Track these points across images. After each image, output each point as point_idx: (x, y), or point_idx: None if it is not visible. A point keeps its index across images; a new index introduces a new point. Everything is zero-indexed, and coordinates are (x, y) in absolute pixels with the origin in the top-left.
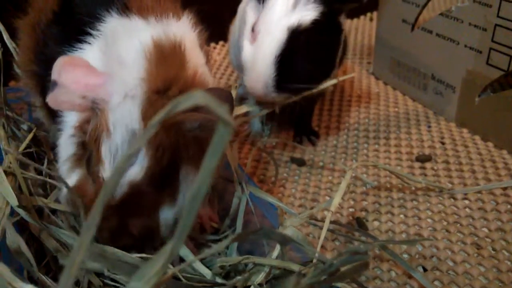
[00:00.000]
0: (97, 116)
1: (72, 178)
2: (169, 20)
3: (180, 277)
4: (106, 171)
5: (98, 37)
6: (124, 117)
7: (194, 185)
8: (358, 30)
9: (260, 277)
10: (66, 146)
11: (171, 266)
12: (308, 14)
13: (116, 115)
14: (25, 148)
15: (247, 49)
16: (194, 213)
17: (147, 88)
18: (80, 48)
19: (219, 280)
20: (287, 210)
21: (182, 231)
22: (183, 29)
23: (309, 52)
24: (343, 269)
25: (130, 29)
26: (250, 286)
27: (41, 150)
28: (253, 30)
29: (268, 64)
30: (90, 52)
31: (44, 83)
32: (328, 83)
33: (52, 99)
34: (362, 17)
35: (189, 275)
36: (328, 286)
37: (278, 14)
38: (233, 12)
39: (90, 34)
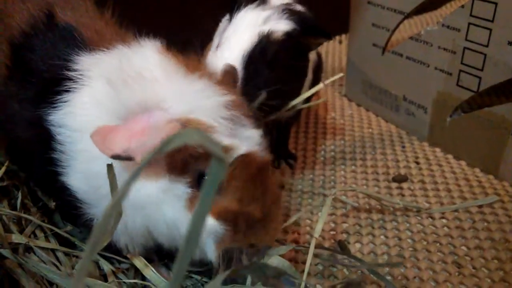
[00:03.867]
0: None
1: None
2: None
3: None
4: None
5: (83, 79)
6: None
7: (189, 224)
8: (329, 52)
9: None
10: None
11: None
12: (280, 25)
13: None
14: None
15: (209, 58)
16: (191, 252)
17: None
18: (67, 100)
19: None
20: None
21: (178, 272)
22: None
23: (280, 64)
24: None
25: (122, 56)
26: None
27: (14, 184)
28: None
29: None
30: (90, 93)
31: (8, 141)
32: (300, 98)
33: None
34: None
35: None
36: None
37: (248, 22)
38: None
39: (68, 79)
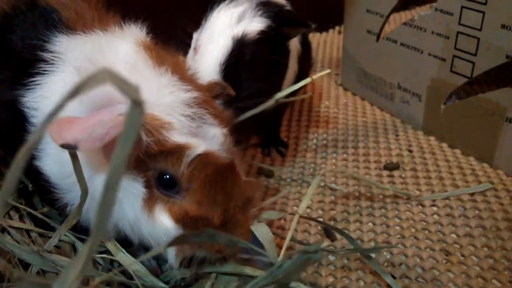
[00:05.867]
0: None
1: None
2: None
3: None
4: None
5: (58, 62)
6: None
7: (107, 172)
8: (327, 43)
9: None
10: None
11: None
12: (254, 25)
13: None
14: None
15: (188, 62)
16: (110, 204)
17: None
18: (40, 83)
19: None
20: None
21: (98, 228)
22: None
23: (258, 64)
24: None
25: (96, 43)
26: None
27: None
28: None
29: (211, 73)
30: (63, 79)
31: None
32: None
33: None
34: (330, 30)
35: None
36: None
37: (222, 25)
38: None
39: (43, 61)
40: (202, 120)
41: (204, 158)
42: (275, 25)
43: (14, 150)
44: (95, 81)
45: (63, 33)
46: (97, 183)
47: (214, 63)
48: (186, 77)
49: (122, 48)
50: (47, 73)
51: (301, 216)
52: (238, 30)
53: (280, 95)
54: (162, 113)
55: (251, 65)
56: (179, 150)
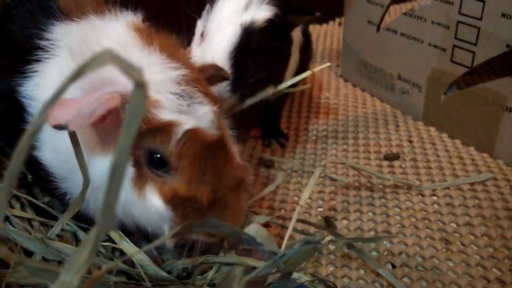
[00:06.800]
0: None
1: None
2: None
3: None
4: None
5: (54, 49)
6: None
7: (113, 156)
8: (327, 34)
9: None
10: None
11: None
12: (262, 13)
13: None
14: None
15: (196, 52)
16: (117, 189)
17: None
18: (36, 70)
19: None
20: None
21: (105, 213)
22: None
23: (264, 51)
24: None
25: (89, 28)
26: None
27: None
28: (202, 35)
29: (219, 61)
30: (58, 64)
31: None
32: (286, 84)
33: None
34: (331, 22)
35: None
36: (287, 281)
37: (229, 12)
38: None
39: (39, 48)
40: (192, 98)
41: (192, 134)
42: (281, 13)
43: (13, 141)
44: (97, 62)
45: (60, 21)
46: (92, 168)
47: (223, 50)
48: (175, 55)
49: (114, 30)
50: (44, 60)
51: (297, 220)
52: (246, 17)
53: (281, 86)
54: (150, 91)
55: (256, 52)
56: (167, 128)
